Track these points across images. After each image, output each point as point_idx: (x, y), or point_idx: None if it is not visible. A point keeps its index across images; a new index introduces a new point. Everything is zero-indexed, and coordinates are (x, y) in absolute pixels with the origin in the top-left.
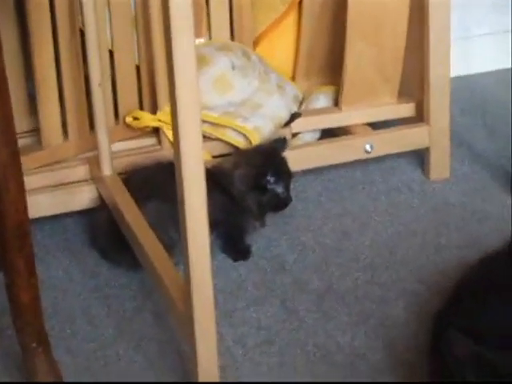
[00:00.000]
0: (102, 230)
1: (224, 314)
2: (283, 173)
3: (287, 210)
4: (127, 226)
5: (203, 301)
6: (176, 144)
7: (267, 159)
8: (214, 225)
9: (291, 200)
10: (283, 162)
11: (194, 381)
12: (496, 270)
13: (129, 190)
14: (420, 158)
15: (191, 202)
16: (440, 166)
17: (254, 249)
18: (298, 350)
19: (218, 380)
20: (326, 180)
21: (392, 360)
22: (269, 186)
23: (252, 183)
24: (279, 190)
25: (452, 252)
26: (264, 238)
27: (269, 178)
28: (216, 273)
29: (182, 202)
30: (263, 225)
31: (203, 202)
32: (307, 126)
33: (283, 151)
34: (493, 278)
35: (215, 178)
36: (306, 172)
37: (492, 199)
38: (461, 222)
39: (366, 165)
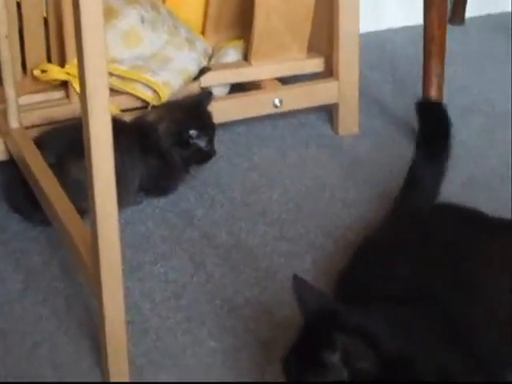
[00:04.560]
0: (13, 184)
1: (131, 269)
2: (206, 126)
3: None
4: (35, 180)
5: (110, 255)
6: (83, 97)
7: (190, 113)
8: (141, 185)
9: (215, 153)
10: (207, 116)
11: (100, 334)
12: (404, 227)
13: (43, 153)
14: (329, 113)
15: (98, 155)
16: (349, 121)
17: (161, 203)
18: (205, 304)
19: (125, 334)
20: (235, 134)
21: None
22: (191, 141)
23: (175, 138)
24: (202, 144)
25: (359, 207)
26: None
27: (191, 132)
28: (123, 227)
29: (89, 156)
30: (187, 172)
31: (110, 155)
32: (216, 81)
33: (208, 105)
34: (398, 235)
35: (137, 131)
36: (215, 126)
37: (400, 154)
38: (369, 177)
39: (275, 120)
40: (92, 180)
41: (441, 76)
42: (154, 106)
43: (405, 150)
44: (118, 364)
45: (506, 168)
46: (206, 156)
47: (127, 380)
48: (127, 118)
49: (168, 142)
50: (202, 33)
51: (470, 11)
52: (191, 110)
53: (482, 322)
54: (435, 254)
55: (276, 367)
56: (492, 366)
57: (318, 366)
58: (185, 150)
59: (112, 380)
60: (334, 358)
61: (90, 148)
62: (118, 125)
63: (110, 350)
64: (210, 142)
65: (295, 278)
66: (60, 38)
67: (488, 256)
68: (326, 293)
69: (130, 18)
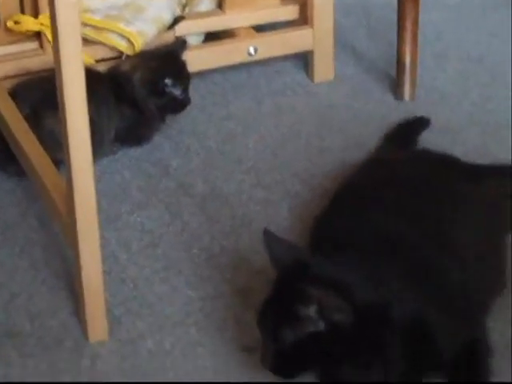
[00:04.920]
0: None
1: (108, 219)
2: (181, 75)
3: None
4: (9, 131)
5: (86, 205)
6: (55, 48)
7: (165, 62)
8: (117, 135)
9: (190, 102)
10: (181, 65)
11: (77, 284)
12: (379, 173)
13: (17, 104)
14: (304, 60)
15: (71, 105)
16: (324, 68)
17: (137, 153)
18: (182, 252)
19: (102, 284)
20: (211, 83)
21: None
22: (166, 90)
23: (150, 87)
24: (177, 92)
25: (335, 154)
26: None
27: (166, 81)
28: (99, 177)
29: (63, 106)
30: (163, 122)
31: (84, 105)
32: (191, 30)
33: (182, 53)
34: (374, 181)
35: (111, 82)
36: (191, 76)
37: (375, 101)
38: (344, 124)
39: (250, 68)
40: (66, 130)
41: (415, 22)
42: (128, 56)
43: (380, 96)
44: (96, 314)
45: (480, 114)
46: (180, 105)
47: (105, 330)
48: (101, 68)
49: (143, 91)
50: None
51: None
52: (166, 59)
53: (455, 268)
54: (411, 200)
55: (252, 314)
56: (466, 311)
57: (293, 320)
58: (160, 98)
59: (89, 328)
60: (310, 311)
61: (63, 98)
62: (92, 75)
63: (87, 299)
64: (185, 90)
65: (266, 232)
66: None
67: (462, 201)
68: (298, 245)
69: None
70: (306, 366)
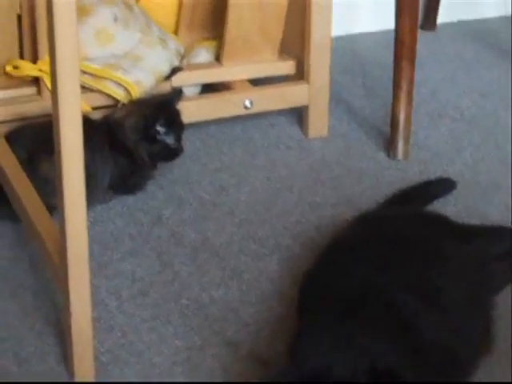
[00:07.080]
0: None
1: (99, 266)
2: (174, 124)
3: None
4: (4, 175)
5: (77, 252)
6: (54, 94)
7: (158, 109)
8: (111, 183)
9: (182, 151)
10: (175, 113)
11: (66, 330)
12: (368, 230)
13: (14, 149)
14: (299, 115)
15: (68, 152)
16: (318, 124)
17: (130, 201)
18: (171, 302)
19: (91, 331)
20: (205, 135)
21: (265, 314)
22: (158, 137)
23: (141, 133)
24: (169, 140)
25: (327, 209)
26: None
27: (158, 128)
28: (92, 224)
29: (59, 153)
30: (154, 169)
31: (80, 152)
32: (188, 81)
33: (177, 102)
34: (364, 237)
35: (106, 129)
36: (186, 126)
37: (368, 158)
38: (337, 180)
39: (245, 121)
40: (61, 177)
41: (411, 81)
42: (123, 104)
43: (373, 154)
44: (84, 361)
45: (472, 174)
46: (173, 153)
47: (92, 377)
48: (96, 115)
49: (134, 137)
50: (175, 32)
51: (442, 17)
52: (160, 107)
53: (439, 329)
54: (399, 258)
55: (240, 366)
56: (448, 372)
57: None
58: (151, 145)
59: (77, 375)
60: None
61: (59, 145)
62: (87, 122)
63: (75, 346)
64: (178, 139)
65: None
66: (33, 35)
67: (450, 261)
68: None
69: (102, 17)
70: None
